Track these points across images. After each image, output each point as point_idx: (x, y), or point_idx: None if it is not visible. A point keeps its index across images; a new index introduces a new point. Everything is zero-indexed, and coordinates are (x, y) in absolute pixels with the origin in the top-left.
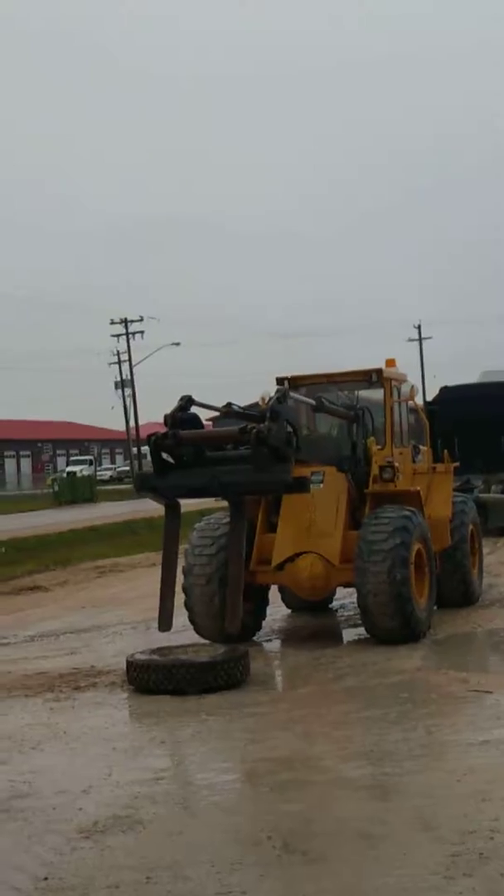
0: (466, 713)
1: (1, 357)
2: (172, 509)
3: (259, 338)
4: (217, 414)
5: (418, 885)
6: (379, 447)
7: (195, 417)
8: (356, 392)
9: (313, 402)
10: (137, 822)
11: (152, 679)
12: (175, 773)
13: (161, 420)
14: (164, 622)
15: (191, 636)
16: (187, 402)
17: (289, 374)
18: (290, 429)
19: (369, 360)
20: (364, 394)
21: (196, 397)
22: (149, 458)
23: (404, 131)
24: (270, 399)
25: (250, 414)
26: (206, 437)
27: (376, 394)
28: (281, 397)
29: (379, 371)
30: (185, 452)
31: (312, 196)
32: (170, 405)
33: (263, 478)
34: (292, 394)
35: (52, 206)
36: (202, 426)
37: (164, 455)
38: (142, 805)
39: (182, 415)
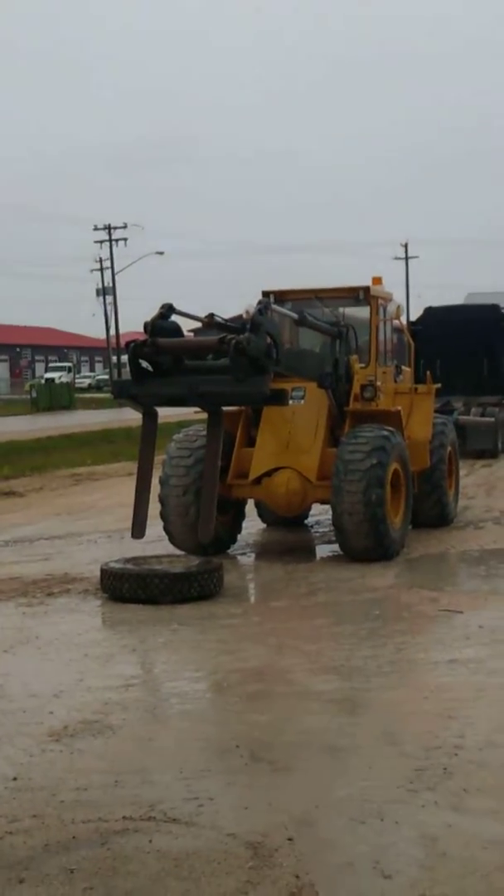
0: (436, 632)
1: None
2: (149, 417)
3: (245, 252)
4: (199, 325)
5: (382, 798)
6: (362, 365)
7: (176, 326)
8: (341, 309)
9: (296, 315)
10: (107, 727)
11: (126, 587)
12: (146, 681)
13: (141, 329)
14: (138, 529)
15: (166, 547)
16: (168, 310)
17: (274, 289)
18: (270, 341)
19: (356, 279)
20: (349, 311)
21: (179, 308)
22: (127, 365)
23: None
24: (252, 310)
25: (232, 325)
26: (185, 346)
27: (362, 312)
28: (262, 309)
29: (366, 289)
30: (164, 361)
31: (313, 113)
32: (151, 314)
33: (241, 389)
34: (274, 306)
35: (48, 114)
36: (182, 335)
37: (143, 363)
38: (112, 711)
39: (162, 323)
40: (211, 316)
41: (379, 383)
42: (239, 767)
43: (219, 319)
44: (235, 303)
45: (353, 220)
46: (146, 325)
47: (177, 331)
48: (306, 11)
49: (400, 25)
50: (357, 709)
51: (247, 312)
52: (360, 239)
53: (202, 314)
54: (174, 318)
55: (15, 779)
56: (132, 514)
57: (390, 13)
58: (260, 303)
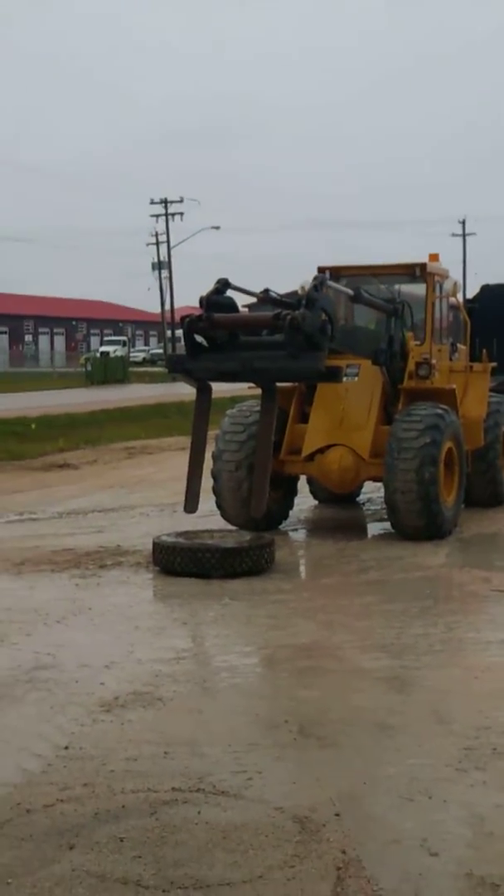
0: (487, 612)
1: (40, 234)
2: (203, 392)
3: (302, 228)
4: (254, 300)
5: (430, 776)
6: (417, 343)
7: (231, 302)
8: (397, 286)
9: (351, 292)
10: (157, 699)
11: (177, 561)
12: (196, 654)
13: (196, 304)
14: (191, 503)
15: (218, 521)
16: (224, 285)
17: (330, 265)
18: (325, 317)
19: (412, 255)
20: (405, 288)
21: (235, 283)
22: (182, 340)
23: None
24: (307, 286)
25: (287, 301)
26: (240, 322)
27: (418, 289)
28: (318, 285)
29: (422, 266)
30: (219, 336)
31: (363, 86)
32: (206, 289)
33: (296, 365)
34: (330, 283)
35: (103, 88)
36: (238, 311)
37: (198, 337)
38: (162, 683)
39: (217, 298)
40: (266, 291)
41: (434, 361)
42: (288, 742)
43: (274, 295)
44: (291, 279)
45: (411, 197)
46: (201, 300)
47: (232, 306)
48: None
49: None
50: (406, 687)
51: (302, 288)
52: (419, 216)
53: (258, 290)
54: (230, 293)
55: (66, 748)
56: (185, 488)
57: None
58: (316, 279)
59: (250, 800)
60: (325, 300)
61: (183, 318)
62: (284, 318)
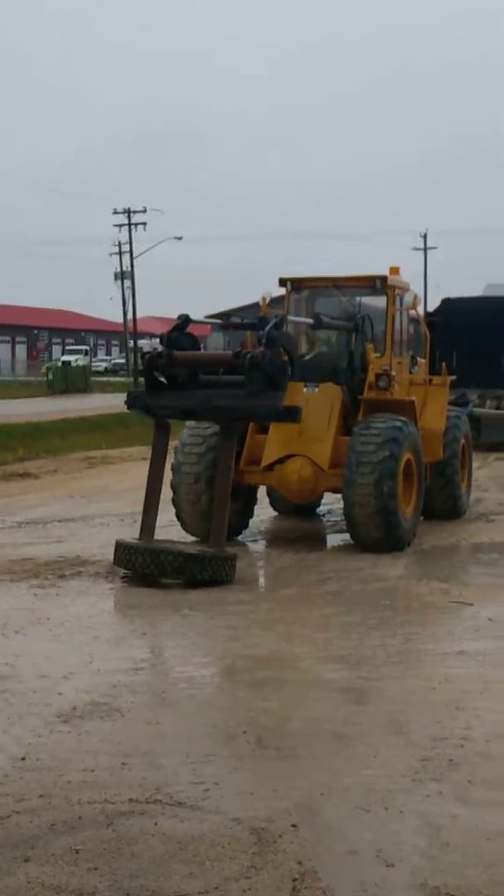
0: (445, 623)
1: (2, 242)
2: (162, 429)
3: (263, 238)
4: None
5: (387, 787)
6: (377, 355)
7: (192, 339)
8: (358, 298)
9: (311, 321)
10: (115, 709)
11: (139, 561)
12: (155, 665)
13: (158, 314)
14: (146, 535)
15: (178, 532)
16: (184, 321)
17: (291, 276)
18: (285, 357)
19: (373, 267)
20: (366, 300)
21: (195, 295)
22: (141, 376)
23: None
24: (268, 324)
25: (249, 324)
26: (200, 360)
27: (378, 301)
28: (278, 322)
29: (383, 278)
30: (179, 373)
31: (324, 98)
32: (169, 299)
33: (255, 404)
34: (290, 317)
35: (66, 92)
36: (199, 348)
37: (157, 375)
38: (120, 694)
39: (178, 335)
40: (227, 317)
41: (394, 373)
42: (245, 753)
43: (235, 320)
44: (254, 289)
45: (372, 210)
46: (162, 338)
47: (193, 344)
48: (335, 20)
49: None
50: (364, 698)
51: (263, 300)
52: (379, 228)
53: (220, 301)
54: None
55: (23, 758)
56: (140, 520)
57: (416, 27)
58: (275, 317)
59: (207, 811)
60: (285, 338)
61: (143, 355)
62: (245, 358)
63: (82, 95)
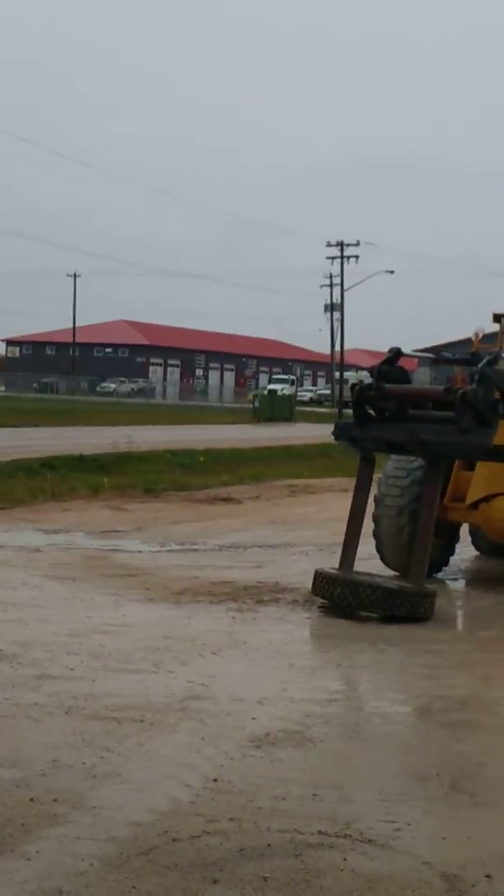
0: None
1: (214, 272)
2: (367, 462)
3: (477, 273)
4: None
5: None
6: None
7: (402, 372)
8: None
9: None
10: (308, 739)
11: (337, 592)
12: (348, 697)
13: (365, 347)
14: (346, 566)
15: (378, 566)
16: (395, 354)
17: None
18: (497, 395)
19: None
20: None
21: (404, 329)
22: (350, 408)
23: None
24: (481, 361)
25: (459, 359)
26: (410, 393)
27: None
28: (492, 360)
29: None
30: (388, 406)
31: None
32: (377, 333)
33: (464, 441)
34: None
35: (288, 128)
36: (409, 381)
37: (367, 407)
38: (313, 724)
39: (388, 368)
40: (438, 352)
41: None
42: (438, 796)
43: (446, 355)
44: (466, 325)
45: None
46: (372, 370)
47: (403, 377)
48: None
49: None
50: None
51: (476, 336)
52: None
53: (432, 335)
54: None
55: (215, 780)
56: (341, 551)
57: None
58: (490, 354)
59: (398, 851)
60: (498, 376)
61: (352, 387)
62: (456, 394)
63: (287, 132)
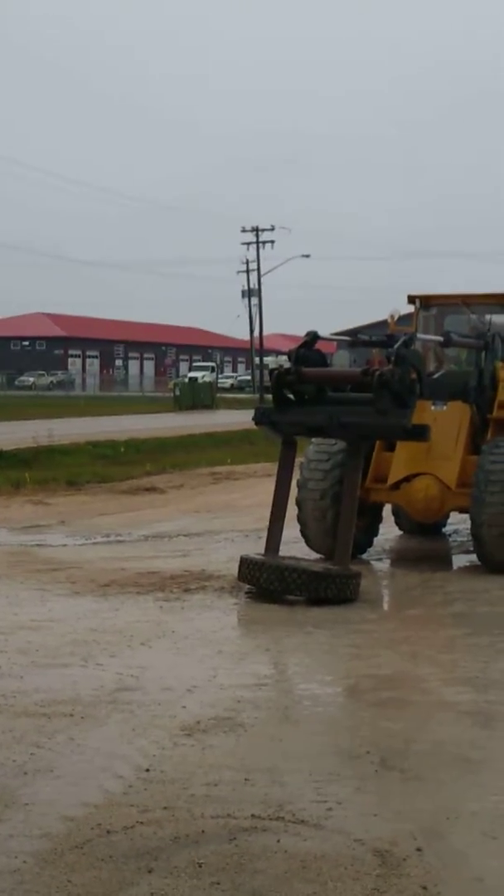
0: None
1: (131, 261)
2: (288, 445)
3: (392, 257)
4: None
5: None
6: None
7: (320, 356)
8: (488, 316)
9: (441, 338)
10: (238, 724)
11: (263, 577)
12: (278, 681)
13: (284, 332)
14: (271, 551)
15: (302, 549)
16: (313, 338)
17: (420, 293)
18: (414, 375)
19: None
20: (496, 318)
21: (322, 312)
22: (270, 392)
23: None
24: (397, 342)
25: (376, 341)
26: (328, 377)
27: None
28: (407, 340)
29: None
30: (307, 390)
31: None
32: (295, 318)
33: (383, 422)
34: (420, 335)
35: (203, 113)
36: (327, 365)
37: (286, 391)
38: (244, 709)
39: (306, 352)
40: (355, 335)
41: None
42: (369, 774)
43: (363, 338)
44: (381, 308)
45: (496, 227)
46: (290, 354)
47: (321, 360)
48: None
49: None
50: (492, 722)
51: (391, 317)
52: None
53: (346, 320)
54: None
55: (147, 770)
56: (266, 537)
57: None
58: (405, 335)
59: (330, 830)
60: (413, 356)
61: (271, 372)
62: (373, 375)
63: (202, 123)
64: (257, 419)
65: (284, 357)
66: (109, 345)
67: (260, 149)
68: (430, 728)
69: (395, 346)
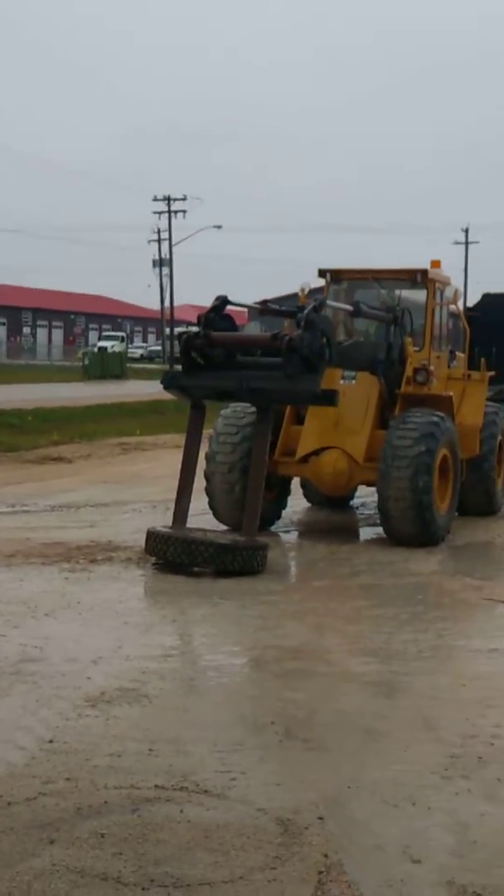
0: (478, 620)
1: (41, 227)
2: (197, 410)
3: (303, 230)
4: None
5: (415, 782)
6: (416, 349)
7: (230, 320)
8: (398, 291)
9: (350, 307)
10: (143, 695)
11: (170, 551)
12: (184, 652)
13: (196, 302)
14: (179, 520)
15: (210, 521)
16: (222, 303)
17: (330, 267)
18: (324, 340)
19: (415, 261)
20: (406, 293)
21: (235, 283)
22: (179, 356)
23: None
24: (306, 308)
25: (287, 310)
26: (237, 341)
27: (418, 295)
28: (317, 306)
29: (424, 272)
30: (216, 354)
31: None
32: (206, 289)
33: (292, 387)
34: (330, 302)
35: (107, 84)
36: (236, 329)
37: (195, 355)
38: (149, 680)
39: (216, 316)
40: (265, 303)
41: (432, 368)
42: (273, 744)
43: (273, 306)
44: (292, 280)
45: (415, 203)
46: (199, 318)
47: (231, 325)
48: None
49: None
50: (394, 693)
51: (302, 291)
52: (421, 222)
53: (257, 292)
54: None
55: (51, 741)
56: (174, 504)
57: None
58: (315, 300)
59: (233, 800)
60: (323, 322)
61: (180, 335)
62: (283, 340)
63: (123, 89)
64: (166, 383)
65: (196, 322)
66: (17, 312)
67: (184, 118)
68: (333, 698)
69: (305, 310)
